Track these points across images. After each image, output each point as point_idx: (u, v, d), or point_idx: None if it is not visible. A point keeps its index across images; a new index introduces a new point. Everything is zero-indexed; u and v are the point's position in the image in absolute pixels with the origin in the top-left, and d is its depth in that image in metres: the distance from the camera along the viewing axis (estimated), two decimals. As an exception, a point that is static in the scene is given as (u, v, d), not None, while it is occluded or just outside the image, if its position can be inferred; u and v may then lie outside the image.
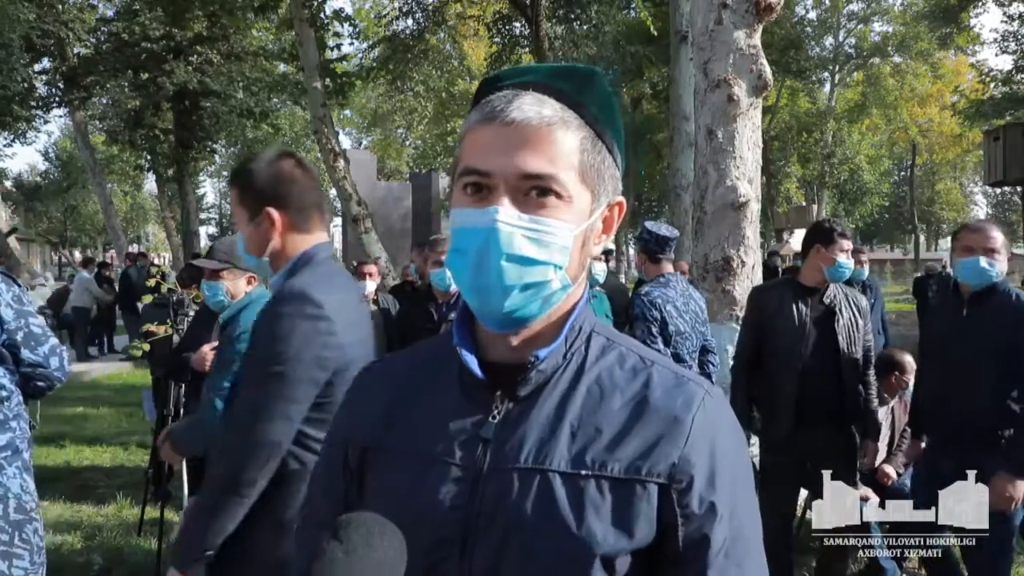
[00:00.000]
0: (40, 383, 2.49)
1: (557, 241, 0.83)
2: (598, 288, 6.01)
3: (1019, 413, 2.83)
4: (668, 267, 3.82)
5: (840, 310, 3.33)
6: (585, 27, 14.27)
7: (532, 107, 0.82)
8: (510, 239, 0.81)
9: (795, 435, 3.27)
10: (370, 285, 5.73)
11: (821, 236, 3.34)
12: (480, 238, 0.81)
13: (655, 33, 13.44)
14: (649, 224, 3.84)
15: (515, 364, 0.87)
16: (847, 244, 3.32)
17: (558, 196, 0.82)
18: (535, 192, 0.82)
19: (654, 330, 3.57)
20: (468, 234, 0.83)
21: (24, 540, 2.38)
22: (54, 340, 2.53)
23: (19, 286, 2.49)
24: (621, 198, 0.92)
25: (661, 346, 3.59)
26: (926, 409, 3.17)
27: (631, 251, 34.65)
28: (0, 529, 2.32)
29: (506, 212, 0.81)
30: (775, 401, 3.33)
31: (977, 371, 2.90)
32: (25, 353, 2.41)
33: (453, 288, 4.11)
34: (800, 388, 3.27)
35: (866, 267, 5.87)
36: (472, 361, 0.87)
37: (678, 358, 3.71)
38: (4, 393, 2.39)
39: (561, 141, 0.82)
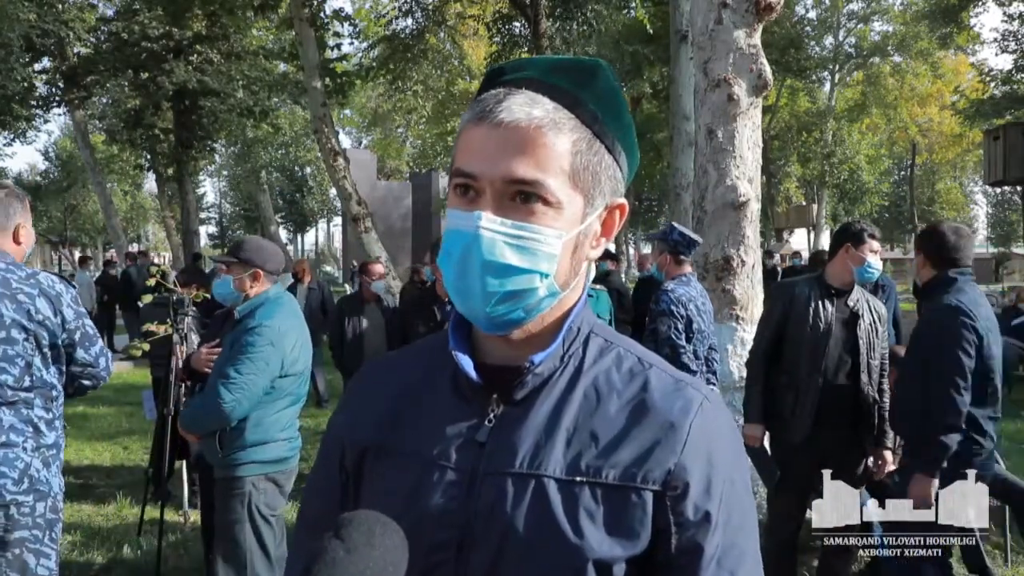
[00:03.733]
0: (87, 382, 2.58)
1: (543, 248, 0.80)
2: (599, 287, 6.04)
3: (923, 412, 2.90)
4: (688, 268, 3.88)
5: (863, 315, 3.33)
6: (584, 27, 14.24)
7: (522, 108, 0.79)
8: (492, 246, 0.79)
9: (814, 436, 3.27)
10: (381, 284, 5.85)
11: (851, 235, 3.34)
12: (464, 242, 0.80)
13: (651, 32, 13.44)
14: (678, 225, 3.91)
15: (511, 367, 0.86)
16: (877, 245, 3.33)
17: (545, 202, 0.80)
18: (521, 197, 0.79)
19: (680, 326, 3.61)
20: (454, 236, 0.81)
21: (53, 540, 2.43)
22: (101, 341, 2.61)
23: (75, 288, 2.58)
24: (622, 200, 0.89)
25: (684, 343, 3.61)
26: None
27: (631, 251, 34.64)
28: (37, 526, 2.36)
29: (489, 218, 0.79)
30: (796, 401, 3.31)
31: (911, 371, 3.07)
32: (80, 353, 2.49)
33: None
34: (822, 390, 3.27)
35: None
36: (467, 364, 0.86)
37: (696, 355, 3.74)
38: (55, 393, 2.46)
39: (551, 144, 0.79)
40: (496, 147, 0.79)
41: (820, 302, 3.32)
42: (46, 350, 2.40)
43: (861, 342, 3.28)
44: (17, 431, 2.33)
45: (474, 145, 0.81)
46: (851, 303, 3.34)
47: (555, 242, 0.81)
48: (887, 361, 3.44)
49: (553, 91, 0.82)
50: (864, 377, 3.28)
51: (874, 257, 3.31)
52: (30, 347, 2.36)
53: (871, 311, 3.37)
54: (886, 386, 3.41)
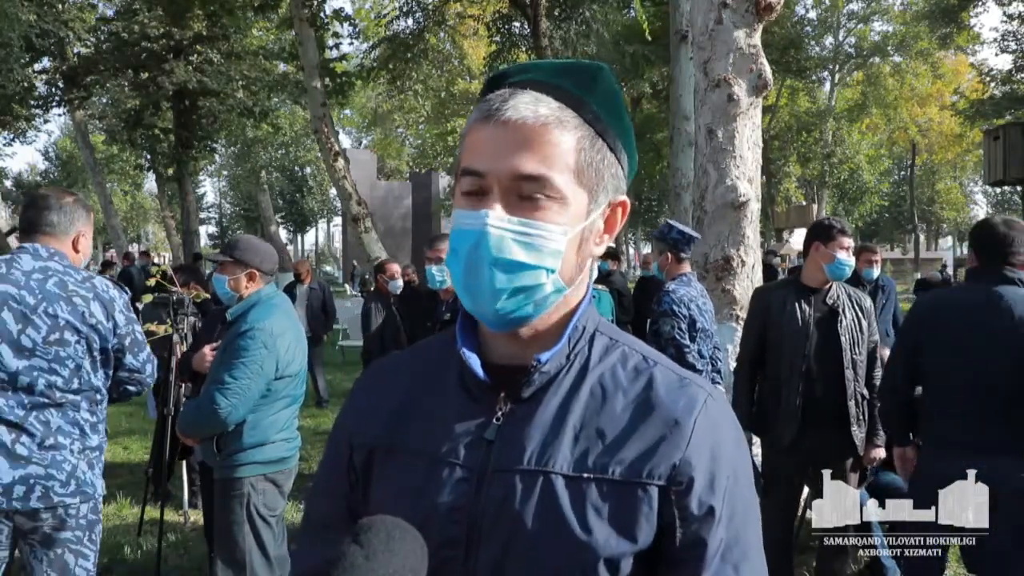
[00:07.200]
0: (132, 387, 2.59)
1: (549, 244, 0.82)
2: (601, 287, 6.04)
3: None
4: (688, 267, 3.88)
5: (843, 311, 3.30)
6: (583, 27, 14.24)
7: (528, 106, 0.81)
8: (500, 243, 0.80)
9: (800, 437, 3.26)
10: (397, 283, 5.92)
11: (820, 234, 3.34)
12: (471, 240, 0.81)
13: (649, 37, 13.44)
14: (675, 223, 3.88)
15: (518, 365, 0.87)
16: (847, 241, 3.30)
17: (551, 198, 0.81)
18: (527, 193, 0.81)
19: (683, 326, 3.61)
20: (462, 235, 0.82)
21: (92, 541, 2.44)
22: (148, 348, 2.62)
23: (128, 293, 2.59)
24: (624, 197, 0.90)
25: (688, 342, 3.62)
26: None
27: (631, 250, 34.64)
28: (80, 527, 2.38)
29: (496, 215, 0.80)
30: (780, 404, 3.30)
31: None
32: (129, 358, 2.51)
33: (448, 286, 4.11)
34: (804, 390, 3.26)
35: (877, 266, 5.87)
36: (475, 362, 0.87)
37: (702, 355, 3.74)
38: (99, 397, 2.47)
39: (557, 141, 0.81)
40: (503, 144, 0.81)
41: (796, 304, 3.31)
42: (96, 354, 2.41)
43: (843, 339, 3.26)
44: (65, 433, 2.34)
45: (481, 144, 0.82)
46: (829, 301, 3.32)
47: (560, 238, 0.82)
48: (877, 354, 3.39)
49: (557, 92, 0.83)
50: (849, 374, 3.26)
51: (845, 254, 3.28)
52: (81, 350, 2.37)
53: (853, 306, 3.34)
54: (876, 380, 3.35)
